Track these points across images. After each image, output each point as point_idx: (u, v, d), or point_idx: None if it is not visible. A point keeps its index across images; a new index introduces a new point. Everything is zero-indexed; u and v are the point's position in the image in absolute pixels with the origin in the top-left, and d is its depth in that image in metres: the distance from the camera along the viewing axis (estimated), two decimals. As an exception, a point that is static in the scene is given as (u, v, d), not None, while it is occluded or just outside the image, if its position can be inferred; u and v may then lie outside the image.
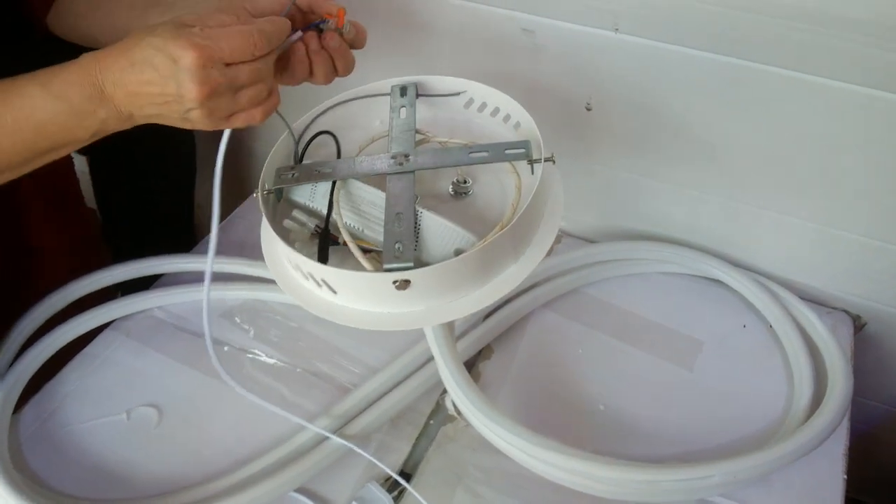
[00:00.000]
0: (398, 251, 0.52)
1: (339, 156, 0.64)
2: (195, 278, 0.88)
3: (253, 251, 0.88)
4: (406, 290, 0.52)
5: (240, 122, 0.54)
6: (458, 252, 0.56)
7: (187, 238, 1.17)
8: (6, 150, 0.53)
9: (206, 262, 0.58)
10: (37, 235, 0.86)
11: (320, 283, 0.55)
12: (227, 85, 0.51)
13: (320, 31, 0.58)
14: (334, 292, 0.55)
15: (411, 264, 0.52)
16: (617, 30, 0.73)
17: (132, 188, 1.05)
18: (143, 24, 0.55)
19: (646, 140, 0.82)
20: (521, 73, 0.82)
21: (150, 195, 1.07)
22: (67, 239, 0.94)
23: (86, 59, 0.52)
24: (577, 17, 0.74)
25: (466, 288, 0.55)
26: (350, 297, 0.55)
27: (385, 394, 0.76)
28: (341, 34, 0.59)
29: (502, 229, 0.54)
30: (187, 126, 0.54)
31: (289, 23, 0.56)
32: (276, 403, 0.70)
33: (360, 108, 0.68)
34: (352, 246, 0.54)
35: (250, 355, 0.83)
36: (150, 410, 0.77)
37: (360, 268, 0.55)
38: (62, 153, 0.56)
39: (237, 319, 0.86)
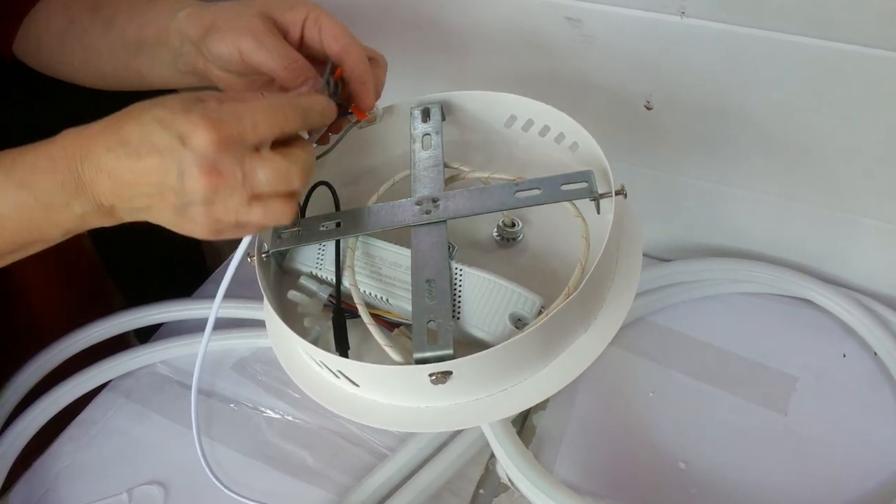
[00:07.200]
0: (432, 334, 0.40)
1: (336, 208, 0.51)
2: (202, 325, 0.76)
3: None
4: (447, 384, 0.40)
5: (240, 234, 0.43)
6: (514, 319, 0.43)
7: (196, 264, 1.07)
8: None
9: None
10: (26, 273, 0.78)
11: (337, 374, 0.43)
12: (242, 181, 0.40)
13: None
14: (356, 385, 0.43)
15: (450, 352, 0.40)
16: (683, 13, 0.61)
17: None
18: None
19: (719, 141, 0.70)
20: (565, 70, 0.70)
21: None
22: (63, 276, 0.85)
23: (66, 135, 0.43)
24: (632, 1, 0.62)
25: (525, 371, 0.43)
26: (376, 390, 0.43)
27: (426, 461, 0.65)
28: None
29: (570, 295, 0.41)
30: (177, 227, 0.43)
31: (334, 106, 0.45)
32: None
33: (375, 135, 0.55)
34: (373, 328, 0.42)
35: (266, 414, 0.72)
36: (155, 489, 0.67)
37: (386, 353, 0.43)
38: (25, 253, 0.46)
39: (250, 371, 0.76)
